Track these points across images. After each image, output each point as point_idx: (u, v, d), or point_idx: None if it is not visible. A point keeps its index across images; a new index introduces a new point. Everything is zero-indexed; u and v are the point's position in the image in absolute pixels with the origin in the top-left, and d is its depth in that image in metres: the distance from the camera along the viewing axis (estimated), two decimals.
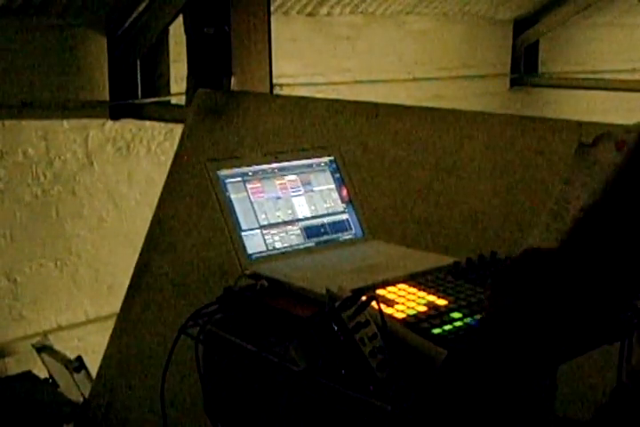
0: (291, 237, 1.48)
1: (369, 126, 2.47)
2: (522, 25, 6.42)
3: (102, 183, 4.07)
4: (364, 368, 1.07)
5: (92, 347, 3.83)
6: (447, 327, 1.13)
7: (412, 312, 1.19)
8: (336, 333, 1.08)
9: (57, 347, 3.65)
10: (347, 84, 5.03)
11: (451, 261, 1.40)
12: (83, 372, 3.30)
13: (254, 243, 1.43)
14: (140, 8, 3.85)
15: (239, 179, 1.46)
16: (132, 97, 4.00)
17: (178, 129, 3.59)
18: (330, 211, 1.55)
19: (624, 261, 0.92)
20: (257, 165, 1.49)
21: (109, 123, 4.03)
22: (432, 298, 1.25)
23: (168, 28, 3.89)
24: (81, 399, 3.15)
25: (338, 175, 1.58)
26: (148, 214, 3.11)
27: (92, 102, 3.94)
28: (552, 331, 0.96)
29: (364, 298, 1.11)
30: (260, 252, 1.43)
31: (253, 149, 2.64)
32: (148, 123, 4.13)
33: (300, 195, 1.53)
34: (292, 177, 1.53)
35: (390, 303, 1.23)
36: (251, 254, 1.41)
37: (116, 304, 3.08)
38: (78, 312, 4.09)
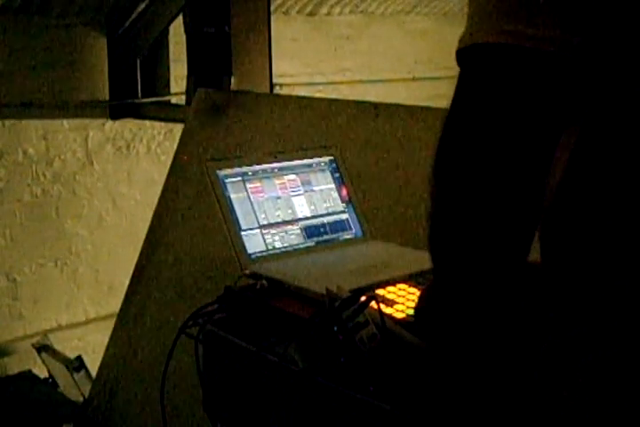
0: (290, 237, 1.48)
1: (369, 126, 2.46)
2: None
3: (102, 183, 4.07)
4: (364, 368, 1.07)
5: (92, 347, 3.84)
6: None
7: (411, 312, 1.19)
8: (335, 333, 1.08)
9: (57, 347, 3.65)
10: (347, 83, 5.03)
11: None
12: (83, 372, 3.30)
13: (254, 242, 1.43)
14: (140, 8, 3.85)
15: (239, 178, 1.46)
16: (132, 97, 4.00)
17: (178, 129, 3.59)
18: (330, 211, 1.55)
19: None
20: (257, 164, 1.49)
21: (109, 122, 4.03)
22: None
23: (168, 28, 3.89)
24: (81, 399, 3.15)
25: (338, 175, 1.58)
26: (148, 214, 3.11)
27: (91, 102, 3.94)
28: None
29: (363, 298, 1.11)
30: (260, 251, 1.43)
31: (253, 149, 2.64)
32: (147, 122, 4.13)
33: (299, 194, 1.53)
34: (292, 177, 1.53)
35: (390, 303, 1.23)
36: (250, 254, 1.42)
37: (115, 304, 3.08)
38: (78, 312, 4.10)
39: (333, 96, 4.45)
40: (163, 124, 4.13)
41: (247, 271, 1.38)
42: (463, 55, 0.85)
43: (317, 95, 4.47)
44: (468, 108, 0.85)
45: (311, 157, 1.57)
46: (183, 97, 3.83)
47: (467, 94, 0.86)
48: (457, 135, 0.87)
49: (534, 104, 0.83)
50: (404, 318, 1.18)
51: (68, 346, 3.84)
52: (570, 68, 0.81)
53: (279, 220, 1.48)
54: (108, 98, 3.98)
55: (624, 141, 0.85)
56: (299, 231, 1.50)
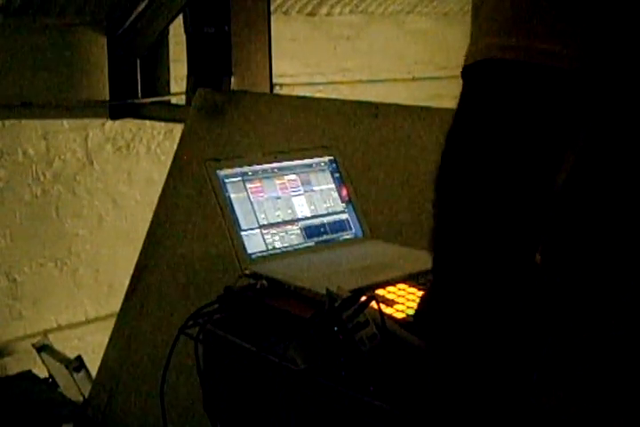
0: (290, 237, 1.48)
1: (369, 126, 2.46)
2: None
3: (102, 183, 4.07)
4: (364, 368, 1.07)
5: (92, 347, 3.83)
6: None
7: (411, 312, 1.19)
8: (335, 333, 1.08)
9: (57, 347, 3.65)
10: (347, 83, 5.03)
11: None
12: (83, 372, 3.30)
13: (254, 242, 1.43)
14: (140, 8, 3.85)
15: (239, 178, 1.46)
16: (132, 97, 3.99)
17: (178, 129, 3.59)
18: (330, 211, 1.55)
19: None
20: (257, 164, 1.49)
21: (109, 122, 4.03)
22: None
23: (168, 28, 3.89)
24: (81, 399, 3.15)
25: (338, 175, 1.58)
26: (148, 214, 3.11)
27: (91, 102, 3.94)
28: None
29: (363, 298, 1.11)
30: (260, 251, 1.43)
31: (253, 149, 2.64)
32: (147, 122, 4.13)
33: (299, 194, 1.53)
34: (292, 177, 1.53)
35: (390, 303, 1.23)
36: (250, 254, 1.42)
37: (115, 304, 3.08)
38: (78, 312, 4.09)
39: (333, 96, 4.45)
40: (163, 124, 4.12)
41: (247, 271, 1.38)
42: (470, 71, 0.84)
43: (317, 95, 4.47)
44: (475, 124, 0.85)
45: (311, 157, 1.57)
46: (183, 97, 3.82)
47: (473, 110, 0.85)
48: (462, 151, 0.87)
49: (542, 120, 0.82)
50: (404, 318, 1.18)
51: (68, 346, 3.83)
52: (577, 82, 0.81)
53: (279, 220, 1.48)
54: (108, 98, 3.98)
55: (628, 153, 0.85)
56: (299, 231, 1.50)
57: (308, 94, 4.22)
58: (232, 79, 3.44)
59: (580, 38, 0.79)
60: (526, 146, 0.83)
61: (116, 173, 4.11)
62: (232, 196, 1.44)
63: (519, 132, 0.83)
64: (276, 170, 1.52)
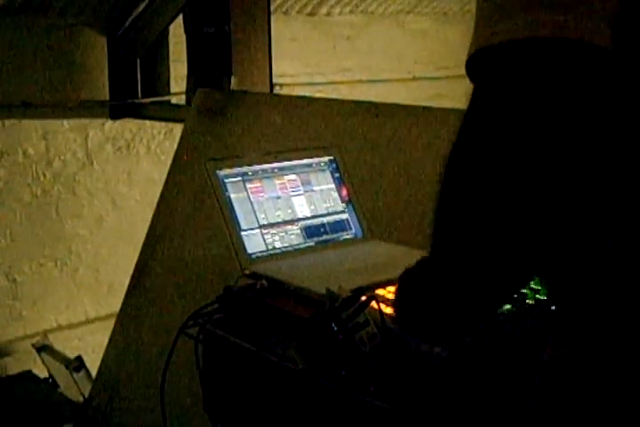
0: (290, 237, 1.48)
1: (369, 126, 2.46)
2: None
3: (102, 183, 4.07)
4: (364, 368, 1.07)
5: (92, 347, 3.83)
6: None
7: None
8: (336, 333, 1.08)
9: (57, 347, 3.65)
10: (347, 83, 5.03)
11: None
12: (83, 372, 3.30)
13: (254, 242, 1.43)
14: (140, 8, 3.85)
15: (239, 178, 1.46)
16: (132, 97, 4.00)
17: (178, 129, 3.59)
18: (330, 211, 1.56)
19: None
20: (257, 164, 1.49)
21: (109, 122, 4.03)
22: None
23: (168, 28, 3.89)
24: (81, 399, 3.15)
25: (338, 175, 1.58)
26: (148, 214, 3.11)
27: (91, 102, 3.94)
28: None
29: (363, 298, 1.11)
30: (260, 251, 1.43)
31: (253, 149, 2.64)
32: (148, 122, 4.13)
33: (299, 194, 1.53)
34: (292, 177, 1.53)
35: (390, 303, 1.23)
36: (250, 254, 1.42)
37: (115, 304, 3.08)
38: (78, 312, 4.09)
39: (333, 96, 4.45)
40: (163, 124, 4.13)
41: (247, 271, 1.38)
42: (485, 56, 0.78)
43: (317, 95, 4.47)
44: (491, 115, 0.80)
45: (311, 157, 1.57)
46: (183, 97, 3.83)
47: (492, 100, 0.80)
48: (480, 143, 0.82)
49: (576, 105, 0.76)
50: None
51: (68, 346, 3.83)
52: (608, 63, 0.75)
53: (279, 220, 1.48)
54: (108, 98, 3.98)
55: None
56: (299, 231, 1.50)
57: (307, 94, 4.22)
58: (232, 79, 3.45)
59: (610, 15, 0.74)
60: (558, 136, 0.77)
61: (116, 173, 4.11)
62: (232, 196, 1.44)
63: (549, 119, 0.77)
64: (276, 170, 1.52)
